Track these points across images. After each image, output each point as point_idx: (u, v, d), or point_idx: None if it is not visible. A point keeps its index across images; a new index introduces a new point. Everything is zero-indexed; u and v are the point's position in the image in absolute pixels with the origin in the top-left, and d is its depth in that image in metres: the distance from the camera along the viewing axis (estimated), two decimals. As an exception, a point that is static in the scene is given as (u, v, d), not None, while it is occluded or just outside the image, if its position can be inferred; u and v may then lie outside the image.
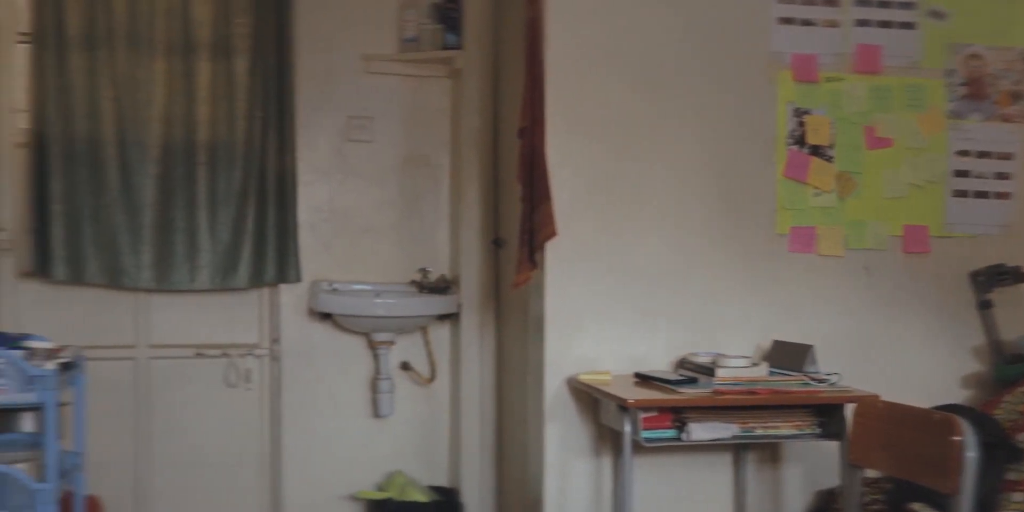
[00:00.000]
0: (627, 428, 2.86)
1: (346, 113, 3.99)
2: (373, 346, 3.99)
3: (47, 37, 3.63)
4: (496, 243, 3.93)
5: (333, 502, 4.00)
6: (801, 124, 3.40)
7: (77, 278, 3.69)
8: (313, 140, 3.97)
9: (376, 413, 4.03)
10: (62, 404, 2.73)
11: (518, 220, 3.31)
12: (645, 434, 2.86)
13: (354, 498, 3.98)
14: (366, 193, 4.05)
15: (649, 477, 3.25)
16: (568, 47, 3.22)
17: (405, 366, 4.08)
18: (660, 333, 3.27)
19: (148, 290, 3.82)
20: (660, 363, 3.27)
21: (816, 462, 3.35)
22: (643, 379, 3.10)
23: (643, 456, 3.17)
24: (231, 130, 3.78)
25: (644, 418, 2.86)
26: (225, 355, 3.95)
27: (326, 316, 3.95)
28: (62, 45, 3.63)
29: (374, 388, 4.02)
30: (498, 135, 3.96)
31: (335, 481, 4.00)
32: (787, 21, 3.40)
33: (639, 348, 3.26)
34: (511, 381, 3.79)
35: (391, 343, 3.98)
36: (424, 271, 4.02)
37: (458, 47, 3.95)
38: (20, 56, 3.68)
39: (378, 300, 3.89)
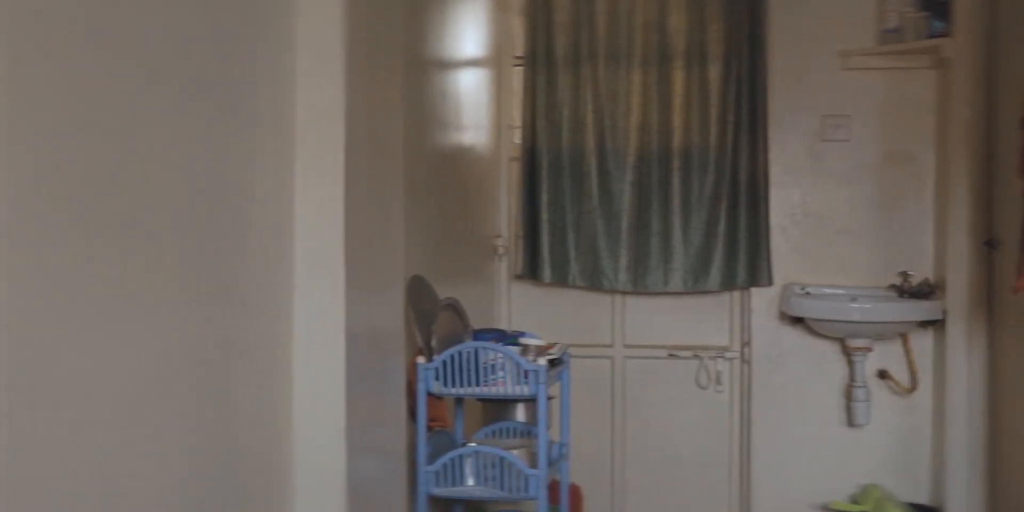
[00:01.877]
0: None
1: (820, 112, 3.87)
2: (848, 352, 3.84)
3: (538, 59, 3.93)
4: (989, 244, 3.60)
5: (803, 510, 3.91)
6: None
7: (561, 280, 3.95)
8: (785, 141, 3.91)
9: (850, 422, 3.87)
10: (549, 397, 2.91)
11: (1019, 219, 3.00)
12: None
13: (826, 508, 3.86)
14: (840, 193, 3.90)
15: None
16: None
17: (883, 374, 3.88)
18: None
19: (624, 292, 3.99)
20: None
21: None
22: None
23: None
24: (704, 135, 3.84)
25: None
26: (696, 357, 4.01)
27: (797, 320, 3.87)
28: (551, 65, 3.91)
29: (848, 396, 3.87)
30: (992, 126, 3.62)
31: (805, 489, 3.90)
32: None
33: None
34: (1008, 395, 3.45)
35: (868, 349, 3.80)
36: (905, 274, 3.80)
37: (946, 34, 3.67)
38: (515, 78, 4.02)
39: (854, 304, 3.74)
